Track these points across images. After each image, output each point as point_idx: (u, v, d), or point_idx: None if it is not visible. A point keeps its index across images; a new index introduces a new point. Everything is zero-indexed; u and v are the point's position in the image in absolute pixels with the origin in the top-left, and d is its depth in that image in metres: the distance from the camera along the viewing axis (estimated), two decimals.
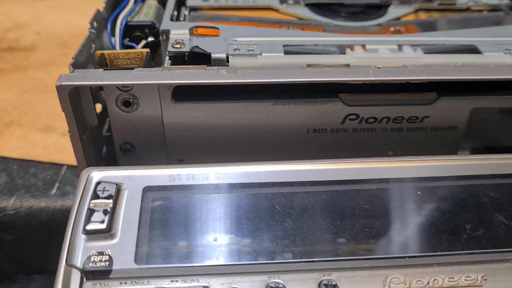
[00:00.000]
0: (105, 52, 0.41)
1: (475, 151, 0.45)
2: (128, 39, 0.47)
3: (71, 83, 0.35)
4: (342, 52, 0.43)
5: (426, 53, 0.42)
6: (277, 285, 0.31)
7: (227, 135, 0.41)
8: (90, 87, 0.38)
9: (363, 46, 0.43)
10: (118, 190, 0.34)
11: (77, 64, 0.39)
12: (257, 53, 0.41)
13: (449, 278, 0.31)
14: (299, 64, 0.39)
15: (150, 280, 0.31)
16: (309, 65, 0.38)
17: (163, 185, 0.35)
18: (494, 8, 0.55)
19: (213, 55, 0.41)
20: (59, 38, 0.78)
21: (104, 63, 0.41)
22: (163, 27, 0.46)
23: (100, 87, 0.42)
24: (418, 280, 0.31)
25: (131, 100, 0.39)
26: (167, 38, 0.45)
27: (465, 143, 0.44)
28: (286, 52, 0.42)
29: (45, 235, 0.48)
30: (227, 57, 0.40)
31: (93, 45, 0.44)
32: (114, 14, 0.48)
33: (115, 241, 0.32)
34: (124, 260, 0.31)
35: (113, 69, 0.39)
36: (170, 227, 0.33)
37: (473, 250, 0.32)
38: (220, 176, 0.35)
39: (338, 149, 0.42)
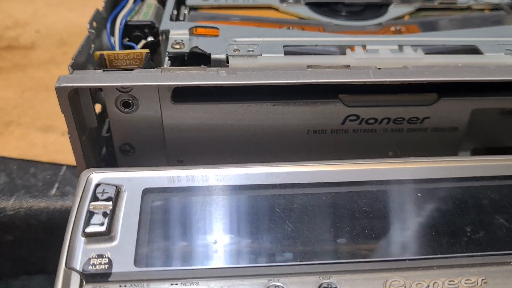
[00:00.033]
0: (105, 52, 0.41)
1: (475, 151, 0.45)
2: (127, 39, 0.47)
3: (70, 84, 0.35)
4: (343, 52, 0.43)
5: (426, 53, 0.42)
6: None
7: (227, 136, 0.41)
8: (90, 88, 0.38)
9: (364, 47, 0.42)
10: (118, 192, 0.34)
11: (76, 65, 0.39)
12: (257, 54, 0.41)
13: (449, 281, 0.31)
14: (299, 65, 0.39)
15: (149, 283, 0.31)
16: (309, 66, 0.38)
17: (163, 187, 0.35)
18: (495, 7, 0.55)
19: (213, 56, 0.41)
20: (58, 36, 0.77)
21: (103, 64, 0.41)
22: (162, 27, 0.45)
23: (100, 88, 0.41)
24: (418, 283, 0.31)
25: (130, 101, 0.39)
26: (167, 38, 0.44)
27: (466, 143, 0.44)
28: (286, 53, 0.42)
29: (44, 236, 0.48)
30: (227, 58, 0.40)
31: (93, 45, 0.44)
32: (113, 14, 0.48)
33: (114, 243, 0.32)
34: (123, 263, 0.31)
35: (112, 70, 0.38)
36: (170, 230, 0.33)
37: (473, 252, 0.32)
38: (220, 178, 0.35)
39: (338, 150, 0.42)
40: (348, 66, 0.38)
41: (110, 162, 0.44)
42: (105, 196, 0.34)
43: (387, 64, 0.39)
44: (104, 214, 0.33)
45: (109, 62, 0.41)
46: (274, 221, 0.33)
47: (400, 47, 0.42)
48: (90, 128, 0.41)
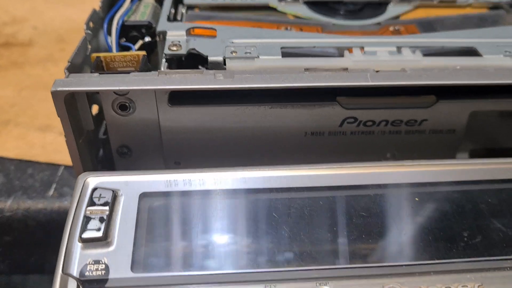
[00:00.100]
0: (101, 55, 0.40)
1: (474, 153, 0.45)
2: (124, 39, 0.47)
3: (67, 88, 0.35)
4: (341, 54, 0.42)
5: (425, 55, 0.41)
6: None
7: (225, 138, 0.41)
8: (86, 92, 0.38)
9: (362, 48, 0.42)
10: (115, 196, 0.34)
11: (73, 67, 0.39)
12: (254, 56, 0.40)
13: (446, 287, 0.31)
14: (296, 67, 0.39)
15: None
16: (306, 69, 0.38)
17: (160, 191, 0.35)
18: (495, 6, 0.54)
19: (210, 58, 0.40)
20: (56, 33, 0.77)
21: (100, 66, 0.40)
22: (159, 28, 0.45)
23: None
24: None
25: (127, 104, 0.39)
26: (164, 39, 0.44)
27: (464, 145, 0.44)
28: (283, 54, 0.41)
29: (42, 236, 0.49)
30: (224, 60, 0.40)
31: (89, 46, 0.44)
32: (110, 14, 0.47)
33: (111, 249, 0.32)
34: (120, 269, 0.31)
35: (109, 73, 0.38)
36: (167, 234, 0.33)
37: (470, 258, 0.32)
38: (217, 182, 0.35)
39: (336, 152, 0.42)
40: (346, 69, 0.38)
41: (107, 164, 0.44)
42: (102, 200, 0.34)
43: (385, 66, 0.39)
44: (101, 219, 0.33)
45: (105, 64, 0.41)
46: (271, 226, 0.33)
47: (399, 49, 0.42)
48: (87, 130, 0.41)
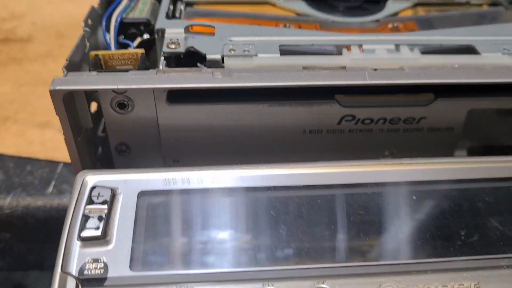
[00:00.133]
0: (100, 53, 0.40)
1: (471, 150, 0.45)
2: (123, 36, 0.47)
3: (65, 87, 0.35)
4: (339, 52, 0.42)
5: (423, 53, 0.41)
6: None
7: (223, 136, 0.41)
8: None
9: (360, 46, 0.42)
10: (113, 195, 0.34)
11: (71, 65, 0.39)
12: (252, 54, 0.40)
13: (442, 285, 0.31)
14: (294, 65, 0.39)
15: (145, 287, 0.31)
16: (304, 67, 0.38)
17: (158, 189, 0.35)
18: (494, 2, 0.54)
19: (209, 56, 0.40)
20: (55, 29, 0.77)
21: (98, 64, 0.40)
22: (158, 25, 0.45)
23: None
24: None
25: (126, 102, 0.39)
26: (162, 36, 0.44)
27: (462, 143, 0.44)
28: (282, 52, 0.41)
29: (41, 233, 0.49)
30: (222, 58, 0.40)
31: (88, 44, 0.44)
32: (109, 11, 0.47)
33: (110, 247, 0.32)
34: (119, 267, 0.31)
35: (107, 71, 0.38)
36: (165, 233, 0.33)
37: (466, 256, 0.32)
38: (215, 180, 0.35)
39: (334, 150, 0.42)
40: (344, 68, 0.38)
41: (106, 161, 0.44)
42: (101, 199, 0.34)
43: (384, 64, 0.39)
44: (100, 218, 0.33)
45: (104, 62, 0.41)
46: (269, 224, 0.33)
47: (397, 47, 0.42)
48: (86, 128, 0.41)
